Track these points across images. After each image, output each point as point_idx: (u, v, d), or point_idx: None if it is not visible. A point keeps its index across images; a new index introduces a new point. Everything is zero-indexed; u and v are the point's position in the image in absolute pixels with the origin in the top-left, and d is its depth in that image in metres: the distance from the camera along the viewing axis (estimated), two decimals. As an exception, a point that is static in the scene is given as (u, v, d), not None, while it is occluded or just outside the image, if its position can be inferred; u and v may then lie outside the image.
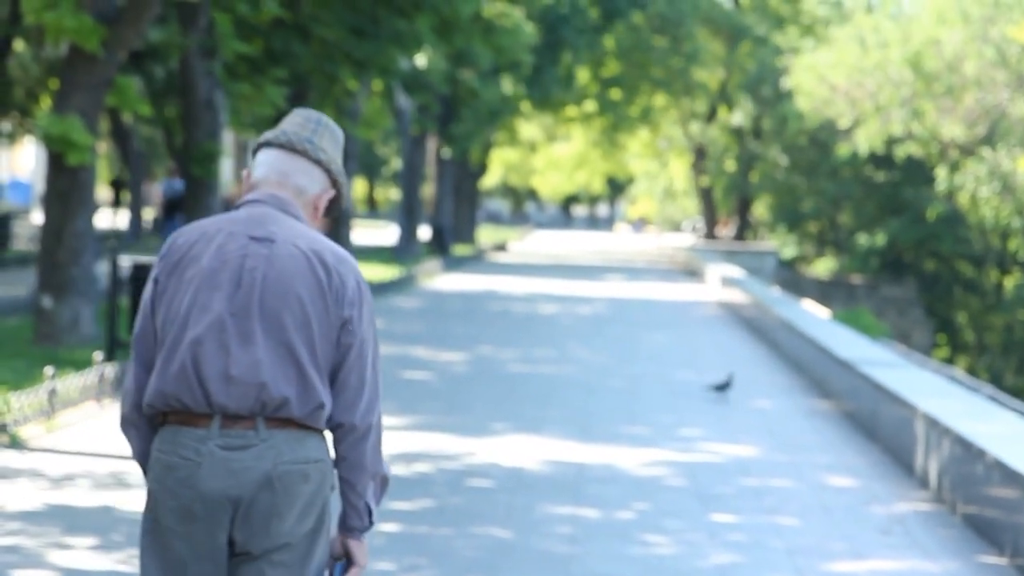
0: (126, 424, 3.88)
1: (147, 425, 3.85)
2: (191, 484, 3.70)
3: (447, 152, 48.48)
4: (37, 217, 43.69)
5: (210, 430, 3.71)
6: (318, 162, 3.91)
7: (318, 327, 3.75)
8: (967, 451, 9.15)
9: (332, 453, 3.88)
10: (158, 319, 3.80)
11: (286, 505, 3.71)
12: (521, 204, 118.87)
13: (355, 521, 3.86)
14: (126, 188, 43.35)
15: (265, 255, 3.77)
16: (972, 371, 42.02)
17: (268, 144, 3.93)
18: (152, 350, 3.82)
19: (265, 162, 3.92)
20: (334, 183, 3.96)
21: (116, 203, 46.81)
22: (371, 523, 3.87)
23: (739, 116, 59.43)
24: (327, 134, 3.95)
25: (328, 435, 3.87)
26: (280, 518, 3.71)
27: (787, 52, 51.59)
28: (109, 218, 40.64)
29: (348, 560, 3.88)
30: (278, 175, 3.90)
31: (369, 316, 3.84)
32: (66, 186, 15.86)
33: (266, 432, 3.72)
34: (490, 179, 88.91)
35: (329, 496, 3.83)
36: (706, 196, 65.38)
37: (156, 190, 46.74)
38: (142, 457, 3.89)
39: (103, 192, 48.49)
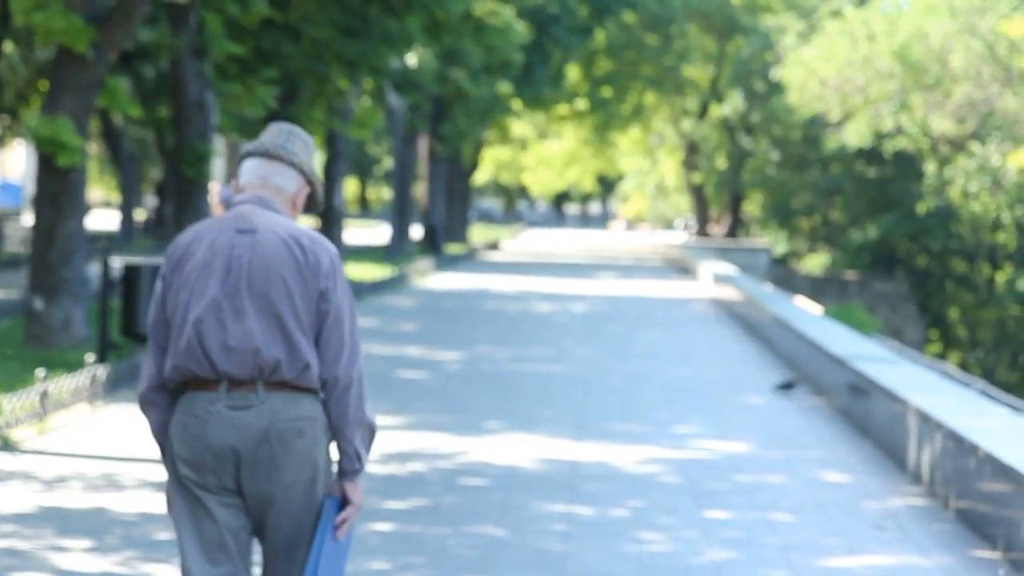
0: (144, 403, 4.55)
1: (166, 401, 4.53)
2: (201, 438, 4.40)
3: (439, 151, 48.47)
4: (28, 219, 43.64)
5: (218, 393, 4.41)
6: (292, 164, 4.62)
7: (299, 299, 4.43)
8: (959, 446, 9.16)
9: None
10: (168, 309, 4.50)
11: (283, 457, 4.39)
12: (513, 203, 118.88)
13: (347, 465, 4.50)
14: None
15: (249, 243, 4.46)
16: (964, 366, 42.06)
17: (249, 154, 4.65)
18: (166, 335, 4.50)
19: (248, 169, 4.64)
20: (308, 181, 4.66)
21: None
22: (361, 466, 4.51)
23: (728, 108, 59.37)
24: (298, 141, 4.65)
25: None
26: (279, 468, 4.39)
27: (777, 42, 51.52)
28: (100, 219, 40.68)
29: (344, 500, 4.49)
30: (259, 178, 4.62)
31: (343, 286, 4.51)
32: (57, 188, 15.83)
33: (265, 394, 4.40)
34: (481, 176, 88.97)
35: (326, 449, 4.48)
36: (698, 193, 65.41)
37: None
38: (160, 431, 4.55)
39: (95, 193, 48.46)
